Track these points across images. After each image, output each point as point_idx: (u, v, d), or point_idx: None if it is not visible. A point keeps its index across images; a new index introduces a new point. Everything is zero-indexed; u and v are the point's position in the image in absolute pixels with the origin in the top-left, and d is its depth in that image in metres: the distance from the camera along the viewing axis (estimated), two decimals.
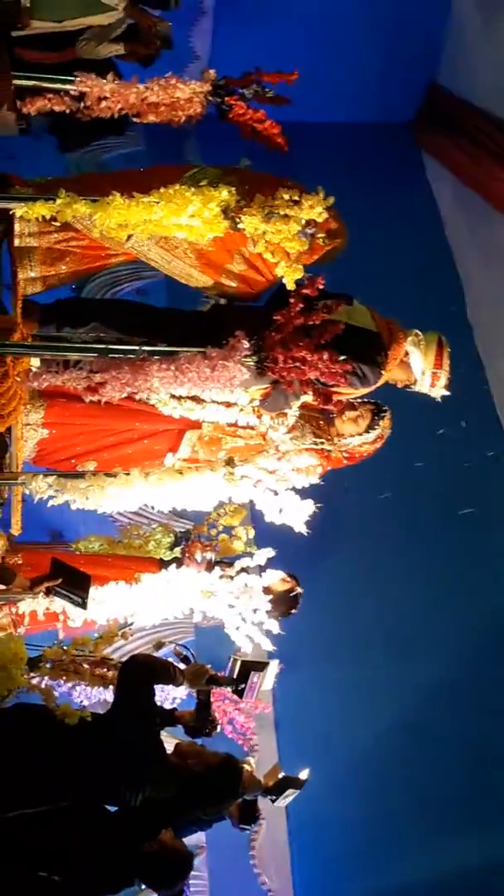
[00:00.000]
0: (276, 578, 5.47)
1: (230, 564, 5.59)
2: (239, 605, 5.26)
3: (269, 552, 5.40)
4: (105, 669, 5.45)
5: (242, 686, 5.10)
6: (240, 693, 5.13)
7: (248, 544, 5.85)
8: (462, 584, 8.27)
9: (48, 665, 5.36)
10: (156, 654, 5.37)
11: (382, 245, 8.38)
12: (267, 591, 5.41)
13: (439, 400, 5.79)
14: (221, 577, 5.39)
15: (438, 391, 5.75)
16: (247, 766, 4.90)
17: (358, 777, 7.73)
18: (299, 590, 5.66)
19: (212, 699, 5.44)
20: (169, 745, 4.82)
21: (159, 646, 5.70)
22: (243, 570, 5.43)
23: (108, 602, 5.29)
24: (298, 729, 7.77)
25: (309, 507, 5.27)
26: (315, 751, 7.30)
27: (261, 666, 5.13)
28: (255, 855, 7.61)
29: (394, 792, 7.77)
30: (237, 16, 9.00)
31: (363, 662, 8.05)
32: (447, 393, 5.75)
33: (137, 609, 5.35)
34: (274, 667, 5.30)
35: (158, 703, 5.26)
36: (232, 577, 5.39)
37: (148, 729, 4.56)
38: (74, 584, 4.85)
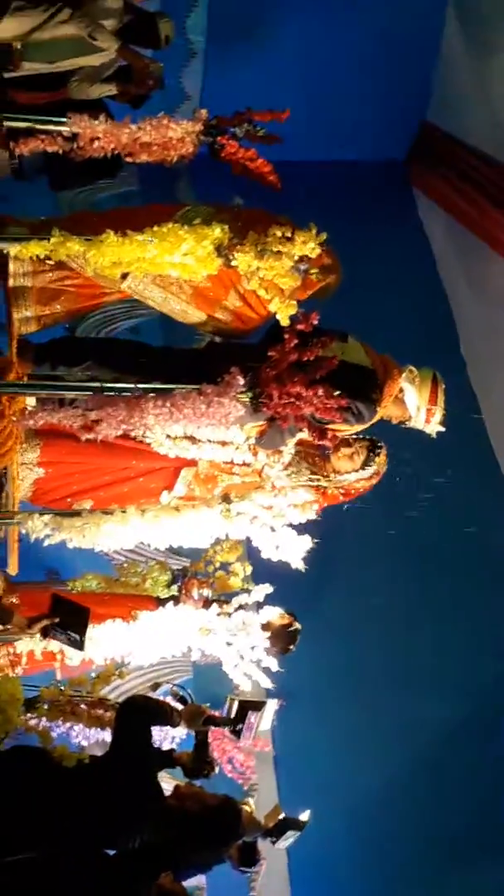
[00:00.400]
0: (275, 615, 5.45)
1: (227, 602, 5.56)
2: (237, 643, 5.24)
3: (266, 588, 5.39)
4: (102, 710, 5.42)
5: (240, 726, 5.06)
6: (237, 733, 5.10)
7: (246, 581, 5.83)
8: (466, 618, 8.23)
9: (45, 706, 5.33)
10: (153, 695, 5.34)
11: (375, 282, 8.41)
12: (265, 627, 5.39)
13: (434, 436, 5.80)
14: (219, 614, 5.38)
15: (433, 427, 5.76)
16: (246, 808, 4.84)
17: (360, 817, 7.66)
18: (297, 626, 5.62)
19: (210, 739, 5.41)
20: (167, 786, 4.77)
21: (156, 686, 5.65)
22: (241, 607, 5.41)
23: (106, 641, 5.27)
24: (299, 767, 7.70)
25: (306, 542, 5.26)
26: (316, 790, 7.21)
27: (258, 705, 5.09)
28: None
29: (397, 833, 7.69)
30: (228, 56, 9.06)
31: (365, 699, 7.99)
32: (442, 429, 5.76)
33: (135, 647, 5.33)
34: (272, 706, 5.27)
35: (157, 744, 5.24)
36: (229, 614, 5.38)
37: (145, 772, 4.51)
38: (73, 623, 4.83)
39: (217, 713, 5.13)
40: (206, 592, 5.78)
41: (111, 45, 6.53)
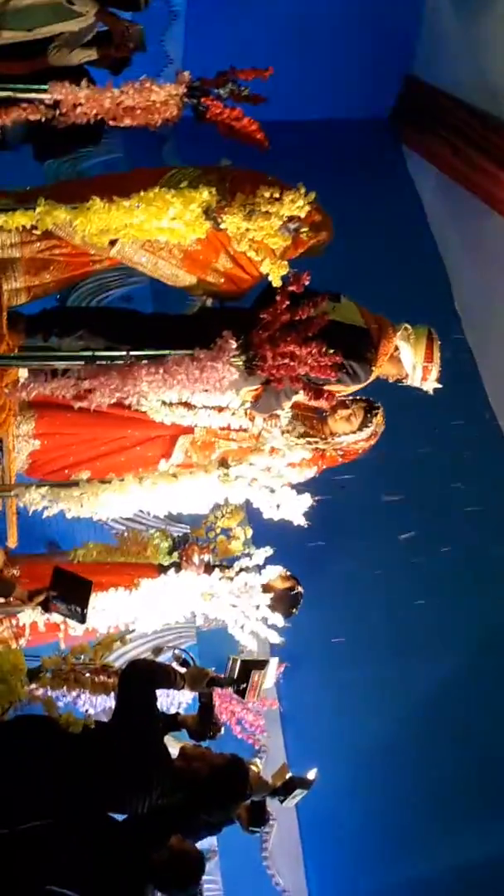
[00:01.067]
0: (276, 574, 5.46)
1: (229, 566, 5.56)
2: (240, 605, 5.25)
3: (267, 551, 5.41)
4: (106, 677, 5.42)
5: (244, 685, 5.06)
6: (241, 693, 5.10)
7: (247, 545, 5.83)
8: (471, 578, 8.24)
9: (48, 675, 5.33)
10: (155, 659, 5.35)
11: (367, 240, 8.36)
12: (267, 589, 5.40)
13: (431, 393, 5.78)
14: (221, 578, 5.38)
15: (430, 384, 5.74)
16: (254, 767, 4.87)
17: (369, 774, 7.69)
18: (300, 589, 5.63)
19: (217, 701, 5.42)
20: (173, 749, 4.79)
21: (158, 651, 5.67)
22: (242, 570, 5.41)
23: (109, 609, 5.27)
24: (306, 727, 7.72)
25: (307, 500, 5.25)
26: (324, 749, 7.24)
27: (261, 664, 5.10)
28: (267, 857, 7.57)
29: (405, 788, 7.72)
30: (209, 17, 8.97)
31: (370, 659, 8.00)
32: (439, 386, 5.74)
33: (138, 615, 5.33)
34: (274, 664, 5.28)
35: (163, 709, 5.25)
36: (231, 578, 5.38)
37: (151, 734, 4.53)
38: (75, 595, 4.82)
39: (220, 675, 5.14)
40: (207, 558, 5.78)
41: (89, 8, 6.44)
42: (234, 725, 5.77)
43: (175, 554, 6.01)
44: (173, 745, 4.91)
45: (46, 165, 8.46)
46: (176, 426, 5.59)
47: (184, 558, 5.85)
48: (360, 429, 5.73)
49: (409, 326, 5.69)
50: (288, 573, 5.61)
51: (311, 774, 4.98)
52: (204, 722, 5.06)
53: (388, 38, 9.40)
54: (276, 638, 5.33)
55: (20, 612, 5.19)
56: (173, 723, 5.09)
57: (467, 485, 8.50)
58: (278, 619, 5.30)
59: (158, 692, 4.89)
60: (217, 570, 5.55)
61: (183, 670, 5.01)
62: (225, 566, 5.65)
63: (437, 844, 7.58)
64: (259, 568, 5.42)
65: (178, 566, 5.77)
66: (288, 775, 4.93)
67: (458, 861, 7.54)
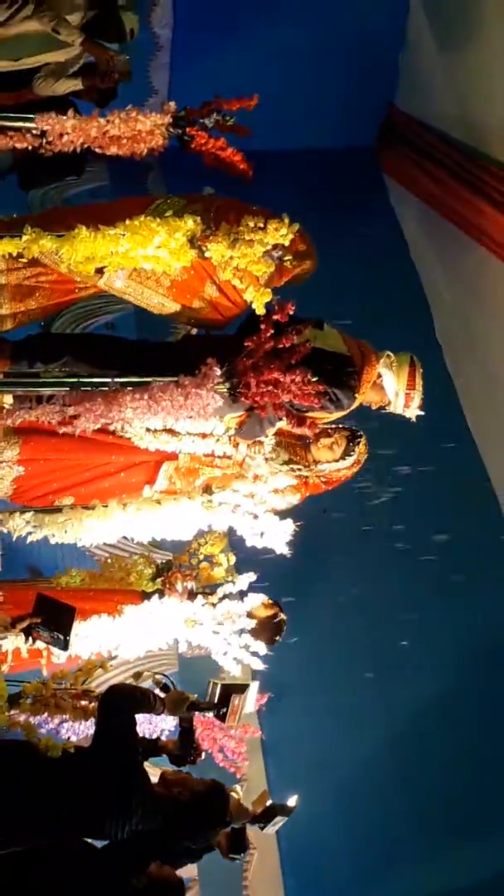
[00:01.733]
0: (258, 602, 5.46)
1: (212, 593, 5.57)
2: (223, 632, 5.25)
3: (250, 576, 5.41)
4: (87, 702, 5.40)
5: (224, 710, 5.07)
6: (222, 717, 5.10)
7: (230, 571, 5.83)
8: (452, 602, 8.25)
9: (28, 701, 5.31)
10: (135, 684, 5.34)
11: (349, 268, 8.42)
12: (250, 617, 5.40)
13: (414, 420, 5.82)
14: (204, 605, 5.38)
15: (413, 412, 5.79)
16: (234, 794, 4.86)
17: (350, 801, 7.70)
18: (283, 616, 5.63)
19: (199, 728, 5.41)
20: (154, 776, 4.78)
21: (138, 676, 5.66)
22: (225, 596, 5.41)
23: (92, 636, 5.26)
24: (287, 755, 7.72)
25: (289, 526, 5.27)
26: (305, 776, 7.23)
27: (241, 688, 5.10)
28: (247, 886, 7.54)
29: (387, 814, 7.73)
30: (194, 48, 9.04)
31: (351, 686, 8.01)
32: (421, 413, 5.78)
33: (121, 642, 5.33)
34: (255, 688, 5.28)
35: (145, 735, 5.24)
36: (215, 605, 5.38)
37: (131, 758, 4.51)
38: (58, 622, 4.80)
39: (201, 700, 5.14)
40: (190, 584, 5.78)
41: (75, 38, 6.51)
42: (216, 753, 5.77)
43: (158, 581, 6.00)
44: (153, 771, 4.90)
45: (31, 194, 8.52)
46: (160, 452, 5.59)
47: (167, 585, 5.85)
48: (342, 457, 5.75)
49: (391, 354, 5.73)
50: (271, 601, 5.61)
51: (292, 801, 4.98)
52: (184, 746, 5.05)
53: (371, 70, 9.47)
54: (259, 665, 5.33)
55: (2, 639, 5.18)
56: (153, 748, 5.08)
57: (448, 505, 8.54)
58: (261, 647, 5.30)
59: (141, 719, 4.88)
60: (200, 596, 5.55)
61: (163, 695, 5.00)
62: (208, 593, 5.65)
63: (420, 870, 7.58)
64: (242, 594, 5.43)
65: (161, 593, 5.76)
66: (268, 802, 4.93)
67: (441, 886, 7.53)
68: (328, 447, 5.74)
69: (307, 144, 9.69)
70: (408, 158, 9.69)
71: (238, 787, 5.10)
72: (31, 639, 4.87)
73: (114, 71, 6.73)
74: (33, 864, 4.18)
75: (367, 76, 9.49)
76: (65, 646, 4.85)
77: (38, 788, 4.29)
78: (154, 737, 5.31)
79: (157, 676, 5.24)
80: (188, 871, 6.33)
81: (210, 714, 5.24)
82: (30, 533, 5.21)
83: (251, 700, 5.26)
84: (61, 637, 4.79)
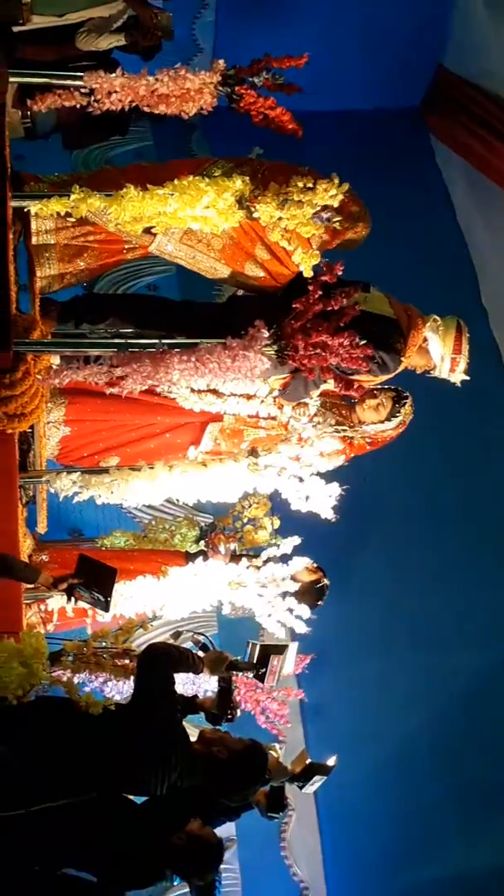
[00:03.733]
0: (302, 565, 5.45)
1: (256, 556, 5.57)
2: (266, 594, 5.26)
3: (295, 540, 5.39)
4: (127, 660, 5.42)
5: (263, 670, 5.07)
6: (261, 677, 5.10)
7: (273, 535, 5.83)
8: (498, 572, 8.20)
9: (69, 659, 5.35)
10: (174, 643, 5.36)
11: (395, 231, 8.27)
12: (294, 581, 5.40)
13: (459, 384, 5.78)
14: (248, 567, 5.38)
15: (458, 376, 5.74)
16: (273, 753, 4.87)
17: (389, 766, 7.68)
18: (326, 581, 5.63)
19: (243, 690, 5.43)
20: (192, 736, 4.80)
21: (177, 636, 5.68)
22: (269, 559, 5.41)
23: (136, 596, 5.29)
24: (327, 720, 7.73)
25: (335, 490, 5.24)
26: (344, 740, 7.24)
27: (280, 649, 5.08)
28: (285, 847, 7.58)
29: (426, 782, 7.71)
30: (240, 6, 8.96)
31: (393, 652, 7.99)
32: (467, 377, 5.73)
33: (165, 602, 5.35)
34: (294, 649, 5.28)
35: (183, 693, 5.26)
36: (259, 568, 5.38)
37: (169, 714, 4.52)
38: (99, 583, 4.81)
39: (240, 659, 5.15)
40: (232, 546, 5.79)
41: None
42: (258, 715, 5.78)
43: (201, 542, 6.02)
44: (192, 730, 4.92)
45: (74, 154, 8.50)
46: (205, 413, 5.60)
47: (209, 547, 5.86)
48: (388, 418, 5.73)
49: (437, 318, 5.69)
50: (314, 565, 5.61)
51: (331, 761, 4.97)
52: (222, 705, 5.05)
53: (420, 29, 9.33)
54: (302, 628, 5.33)
55: (49, 598, 5.22)
56: (192, 705, 5.09)
57: (494, 474, 8.47)
58: (304, 611, 5.30)
59: (184, 679, 4.89)
60: (244, 559, 5.56)
61: (202, 654, 5.01)
62: (252, 556, 5.66)
63: (460, 838, 7.58)
64: (286, 558, 5.42)
65: (204, 555, 5.78)
66: (307, 761, 4.94)
67: (481, 855, 7.53)
68: (374, 408, 5.71)
69: (353, 106, 9.60)
70: (456, 120, 9.56)
71: (276, 746, 5.11)
72: (73, 599, 4.89)
73: (157, 28, 6.68)
74: (72, 819, 4.21)
75: (417, 36, 9.35)
76: (105, 606, 4.86)
77: (78, 744, 4.32)
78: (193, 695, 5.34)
79: (196, 636, 5.25)
80: (227, 830, 6.37)
81: (249, 674, 5.24)
82: (76, 493, 5.21)
83: (290, 662, 5.25)
84: (101, 598, 4.80)
